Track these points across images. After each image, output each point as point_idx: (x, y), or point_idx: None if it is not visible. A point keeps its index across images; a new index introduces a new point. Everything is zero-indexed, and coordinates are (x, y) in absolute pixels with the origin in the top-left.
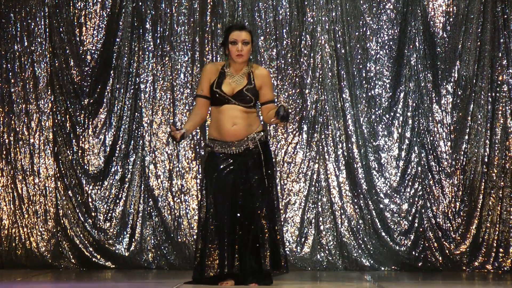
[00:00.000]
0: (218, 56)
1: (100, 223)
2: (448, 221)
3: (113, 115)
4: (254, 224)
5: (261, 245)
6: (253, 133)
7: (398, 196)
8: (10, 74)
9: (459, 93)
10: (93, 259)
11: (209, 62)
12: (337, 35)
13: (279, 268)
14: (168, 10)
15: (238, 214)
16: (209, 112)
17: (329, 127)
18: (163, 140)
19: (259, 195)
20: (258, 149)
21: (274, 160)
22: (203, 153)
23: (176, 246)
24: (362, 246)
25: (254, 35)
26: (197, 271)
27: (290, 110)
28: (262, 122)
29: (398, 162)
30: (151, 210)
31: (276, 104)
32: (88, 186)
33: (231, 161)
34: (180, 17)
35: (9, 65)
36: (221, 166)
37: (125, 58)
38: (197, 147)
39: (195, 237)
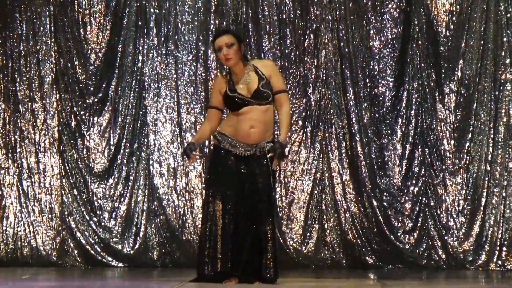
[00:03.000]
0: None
1: (105, 221)
2: (451, 220)
3: (118, 114)
4: (259, 228)
5: (264, 250)
6: (263, 142)
7: (401, 194)
8: (16, 73)
9: (462, 91)
10: (98, 257)
11: (218, 74)
12: (340, 34)
13: (276, 275)
14: (172, 9)
15: (243, 216)
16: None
17: (333, 125)
18: (168, 139)
19: (266, 201)
20: (266, 159)
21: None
22: (206, 150)
23: (181, 244)
24: (366, 244)
25: (240, 32)
26: (201, 268)
27: (283, 148)
28: (274, 132)
29: (401, 161)
30: (156, 208)
31: (285, 92)
32: (93, 184)
33: (236, 161)
34: (184, 16)
35: (14, 64)
36: (226, 165)
37: (130, 57)
38: (202, 145)
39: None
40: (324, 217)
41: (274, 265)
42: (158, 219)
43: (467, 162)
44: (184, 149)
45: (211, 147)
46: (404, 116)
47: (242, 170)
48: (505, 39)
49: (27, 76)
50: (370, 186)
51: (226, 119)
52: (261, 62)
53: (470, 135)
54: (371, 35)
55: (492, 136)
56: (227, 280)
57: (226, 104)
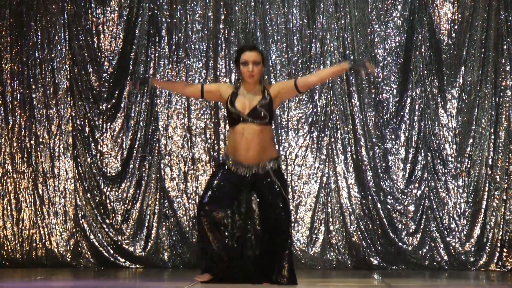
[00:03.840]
0: (231, 62)
1: (118, 224)
2: (453, 222)
3: (130, 120)
4: (274, 235)
5: (280, 257)
6: (264, 161)
7: (405, 197)
8: (31, 80)
9: (464, 98)
10: (111, 259)
11: (227, 81)
12: (346, 42)
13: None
14: (183, 18)
15: (257, 227)
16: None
17: (339, 130)
18: (179, 144)
19: (279, 213)
20: (271, 177)
21: (285, 163)
22: (217, 156)
23: (191, 246)
24: (371, 245)
25: (265, 53)
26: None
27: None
28: (275, 150)
29: (405, 165)
30: (167, 211)
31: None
32: (106, 188)
33: (240, 180)
34: (194, 25)
35: (30, 71)
36: (228, 179)
37: (142, 65)
38: (211, 150)
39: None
40: (330, 219)
41: (291, 273)
42: (169, 222)
43: (469, 166)
44: (140, 79)
45: (222, 159)
46: (408, 121)
47: (247, 187)
48: (505, 46)
49: (42, 83)
50: (374, 189)
51: (228, 140)
52: (271, 85)
53: (471, 140)
54: (375, 43)
55: (492, 140)
56: (201, 276)
57: (226, 115)
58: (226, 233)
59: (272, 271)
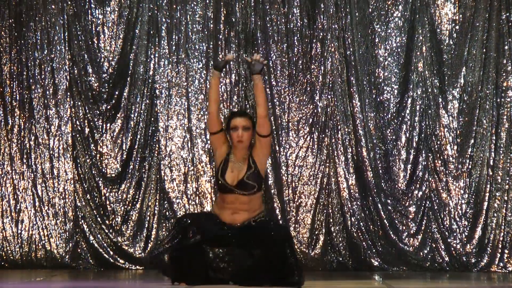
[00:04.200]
0: (231, 62)
1: (117, 225)
2: (454, 223)
3: (130, 121)
4: (272, 252)
5: (288, 264)
6: (253, 217)
7: (406, 198)
8: (31, 80)
9: (465, 98)
10: (111, 260)
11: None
12: (346, 43)
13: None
14: (183, 19)
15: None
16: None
17: (339, 131)
18: (179, 145)
19: (276, 234)
20: (263, 224)
21: (286, 164)
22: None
23: None
24: (371, 246)
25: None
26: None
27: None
28: (263, 207)
29: (406, 166)
30: (167, 212)
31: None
32: (105, 189)
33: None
34: (194, 25)
35: (29, 72)
36: (214, 223)
37: (142, 65)
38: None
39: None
40: (331, 220)
41: (299, 275)
42: (169, 223)
43: (470, 166)
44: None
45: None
46: (409, 122)
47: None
48: (506, 47)
49: (42, 83)
50: (375, 190)
51: (216, 200)
52: (254, 146)
53: (472, 141)
54: (376, 43)
55: (494, 141)
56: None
57: (215, 181)
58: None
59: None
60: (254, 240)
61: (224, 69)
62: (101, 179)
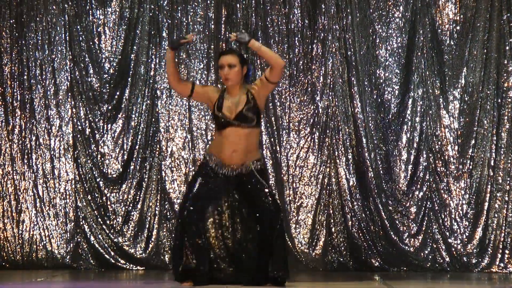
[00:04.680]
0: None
1: (118, 226)
2: (455, 223)
3: (131, 121)
4: (264, 233)
5: (272, 252)
6: (248, 161)
7: (407, 199)
8: (32, 81)
9: (466, 99)
10: (112, 261)
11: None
12: (347, 43)
13: (285, 277)
14: (184, 19)
15: (243, 223)
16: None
17: (340, 132)
18: (179, 145)
19: (267, 208)
20: (255, 175)
21: (286, 164)
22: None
23: None
24: (372, 247)
25: (244, 55)
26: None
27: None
28: (259, 152)
29: (407, 166)
30: (168, 212)
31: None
32: (106, 189)
33: (224, 178)
34: (195, 26)
35: (30, 72)
36: (211, 179)
37: (143, 66)
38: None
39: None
40: (332, 221)
41: (284, 267)
42: (170, 223)
43: (471, 167)
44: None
45: (202, 161)
46: (409, 122)
47: (231, 183)
48: (507, 47)
49: (43, 84)
50: (376, 190)
51: (213, 140)
52: (253, 84)
53: (473, 141)
54: (377, 44)
55: (495, 142)
56: (185, 282)
57: (213, 119)
58: (205, 241)
59: (267, 266)
60: (248, 204)
61: (179, 48)
62: (102, 179)
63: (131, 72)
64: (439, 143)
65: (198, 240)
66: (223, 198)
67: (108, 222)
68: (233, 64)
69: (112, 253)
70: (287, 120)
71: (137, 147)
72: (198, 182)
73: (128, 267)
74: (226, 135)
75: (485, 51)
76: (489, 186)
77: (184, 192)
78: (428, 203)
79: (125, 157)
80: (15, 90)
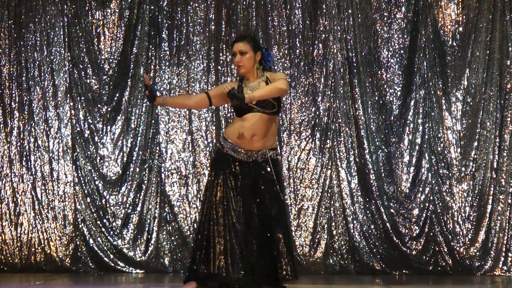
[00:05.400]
0: (232, 64)
1: (118, 228)
2: (458, 226)
3: (130, 123)
4: (270, 233)
5: (279, 254)
6: (265, 149)
7: (409, 201)
8: (30, 82)
9: (469, 100)
10: (111, 263)
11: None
12: (349, 44)
13: (296, 275)
14: (184, 20)
15: (253, 223)
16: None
17: (341, 134)
18: (179, 147)
19: (275, 206)
20: (269, 165)
21: (287, 167)
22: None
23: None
24: (374, 250)
25: (267, 41)
26: (192, 271)
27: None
28: (277, 141)
29: (409, 168)
30: (167, 215)
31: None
32: (106, 192)
33: (239, 167)
34: (195, 27)
35: (29, 73)
36: (227, 168)
37: (142, 67)
38: (213, 154)
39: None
40: (333, 223)
41: (292, 267)
42: (170, 226)
43: (473, 169)
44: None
45: (217, 146)
46: (412, 124)
47: (244, 174)
48: (510, 48)
49: (41, 85)
50: (377, 193)
51: (231, 124)
52: (274, 74)
53: (476, 143)
54: (379, 45)
55: (497, 143)
56: (187, 284)
57: (233, 107)
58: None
59: (275, 268)
60: (258, 196)
61: (155, 95)
62: (101, 181)
63: (130, 73)
64: (442, 145)
65: (214, 243)
66: (237, 200)
67: (107, 224)
68: (244, 51)
69: (112, 256)
70: (288, 122)
71: (136, 149)
72: (215, 190)
73: (127, 270)
74: (247, 120)
75: (488, 52)
76: (492, 189)
77: (202, 193)
78: (431, 205)
79: (125, 159)
80: (13, 92)
